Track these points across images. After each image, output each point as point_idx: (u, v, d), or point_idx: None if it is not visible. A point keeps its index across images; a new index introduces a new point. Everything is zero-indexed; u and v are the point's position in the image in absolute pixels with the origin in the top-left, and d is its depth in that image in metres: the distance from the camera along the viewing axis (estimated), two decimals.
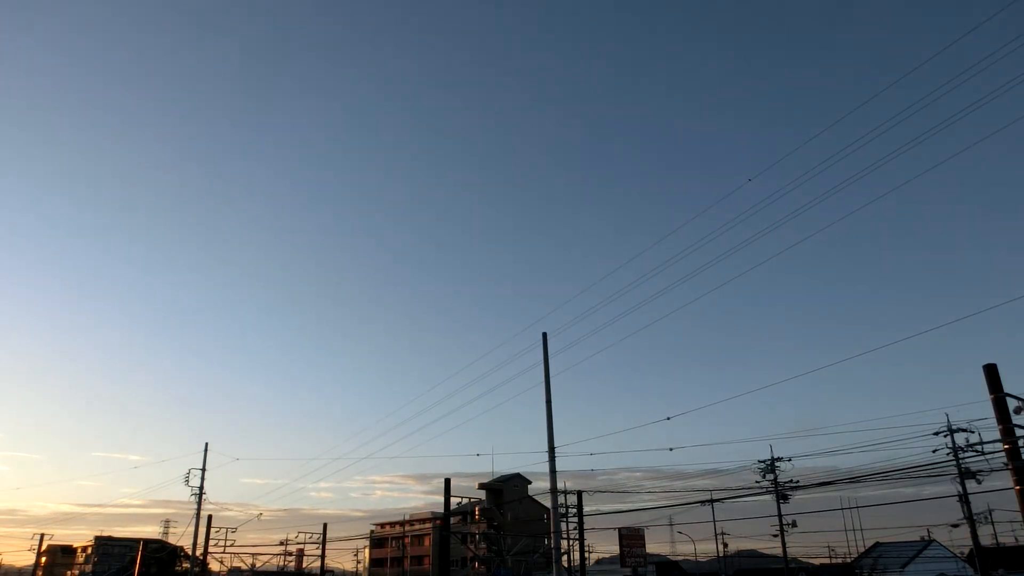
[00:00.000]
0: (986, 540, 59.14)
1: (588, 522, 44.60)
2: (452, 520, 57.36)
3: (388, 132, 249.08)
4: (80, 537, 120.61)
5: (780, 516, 48.64)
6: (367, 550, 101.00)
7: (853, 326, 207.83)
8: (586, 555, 49.10)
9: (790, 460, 47.26)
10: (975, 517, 40.39)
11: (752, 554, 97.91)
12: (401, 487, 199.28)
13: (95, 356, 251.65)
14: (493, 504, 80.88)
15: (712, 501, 34.26)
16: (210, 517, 61.13)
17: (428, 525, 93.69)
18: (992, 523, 61.68)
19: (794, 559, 79.14)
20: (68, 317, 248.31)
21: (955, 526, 49.78)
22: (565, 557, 47.12)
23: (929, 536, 70.76)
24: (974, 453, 30.97)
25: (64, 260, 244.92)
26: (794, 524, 49.75)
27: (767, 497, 46.07)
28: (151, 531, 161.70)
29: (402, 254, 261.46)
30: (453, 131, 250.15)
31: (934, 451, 36.54)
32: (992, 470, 24.87)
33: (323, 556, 65.88)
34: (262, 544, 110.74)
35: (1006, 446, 17.68)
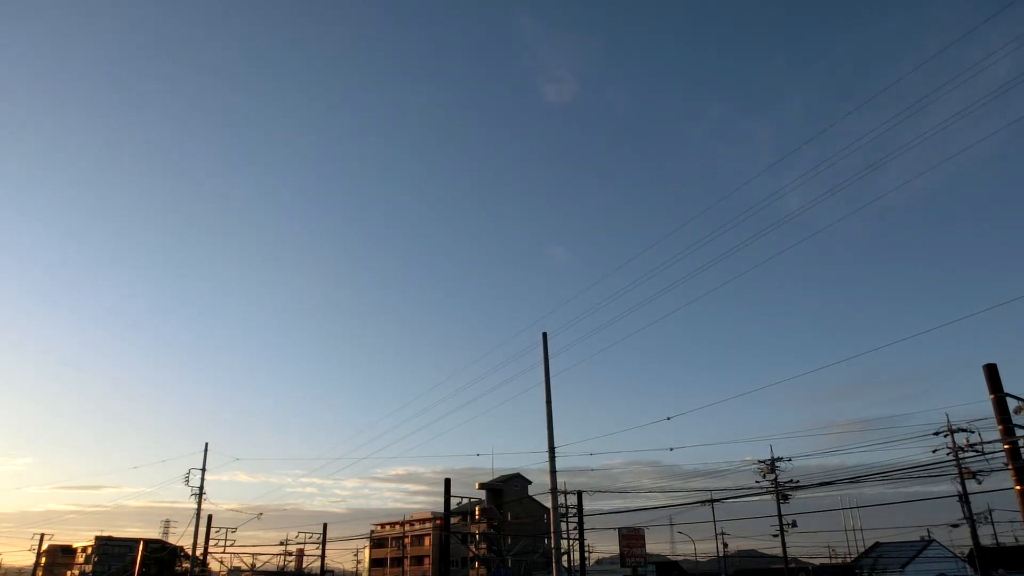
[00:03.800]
0: (986, 540, 59.14)
1: (588, 522, 44.60)
2: (452, 520, 57.35)
3: (387, 136, 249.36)
4: (80, 537, 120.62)
5: (780, 516, 48.67)
6: (367, 550, 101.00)
7: (853, 326, 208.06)
8: (586, 555, 49.11)
9: (790, 460, 47.38)
10: (975, 517, 40.44)
11: (752, 554, 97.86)
12: (401, 487, 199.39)
13: (95, 356, 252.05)
14: (493, 504, 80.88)
15: (712, 501, 34.28)
16: (210, 517, 61.20)
17: (428, 525, 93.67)
18: (992, 523, 61.70)
19: (794, 559, 79.11)
20: (68, 318, 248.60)
21: (955, 526, 49.80)
22: (565, 557, 47.14)
23: (929, 536, 70.72)
24: (974, 453, 30.95)
25: (64, 261, 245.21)
26: (794, 524, 49.79)
27: (767, 497, 46.12)
28: (151, 531, 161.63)
29: (402, 254, 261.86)
30: (451, 133, 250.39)
31: (934, 451, 36.59)
32: (992, 470, 24.86)
33: (323, 556, 65.88)
34: (262, 544, 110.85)
35: (1006, 446, 17.67)
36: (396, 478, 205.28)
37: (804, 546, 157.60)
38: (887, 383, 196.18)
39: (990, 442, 21.00)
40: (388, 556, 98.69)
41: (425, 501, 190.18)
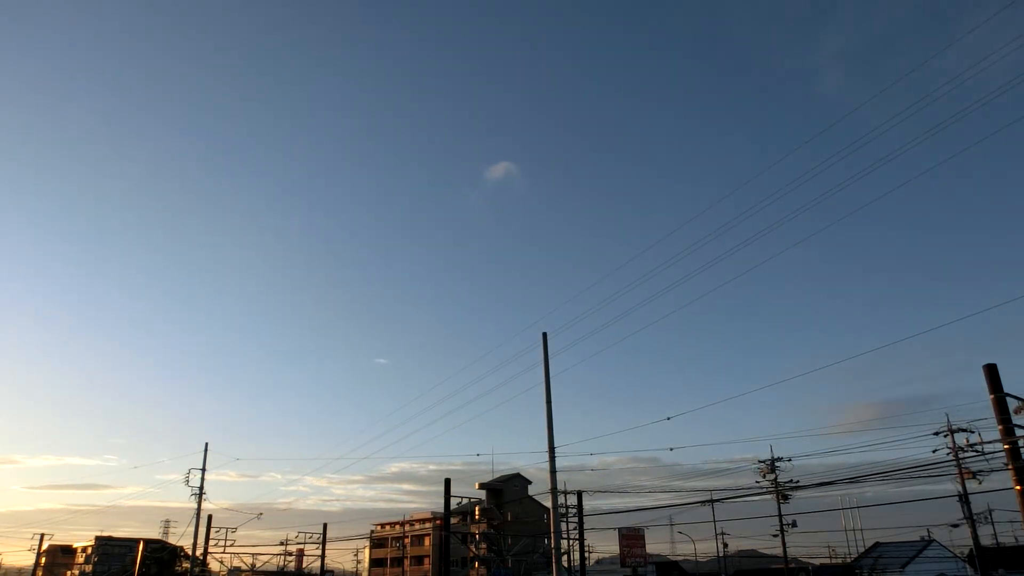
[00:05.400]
0: (986, 540, 59.14)
1: (588, 522, 44.60)
2: (452, 520, 57.32)
3: (385, 135, 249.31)
4: (80, 537, 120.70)
5: (780, 516, 48.68)
6: (367, 550, 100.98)
7: (854, 326, 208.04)
8: (586, 555, 49.11)
9: (790, 460, 47.37)
10: (975, 517, 40.44)
11: (752, 554, 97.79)
12: (399, 487, 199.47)
13: (95, 357, 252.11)
14: (493, 504, 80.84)
15: (712, 501, 34.28)
16: (210, 517, 61.18)
17: (428, 525, 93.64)
18: (992, 523, 61.71)
19: (794, 559, 79.06)
20: (67, 318, 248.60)
21: (955, 526, 49.86)
22: (565, 557, 47.15)
23: (929, 536, 70.73)
24: (974, 453, 30.93)
25: (64, 261, 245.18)
26: (794, 524, 49.81)
27: (767, 497, 46.09)
28: (150, 531, 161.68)
29: (401, 256, 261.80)
30: (449, 133, 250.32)
31: (934, 451, 36.55)
32: (992, 470, 24.84)
33: (323, 556, 65.85)
34: (262, 544, 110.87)
35: (1006, 446, 17.67)
36: (394, 477, 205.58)
37: (804, 546, 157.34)
38: (901, 366, 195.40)
39: (990, 442, 20.99)
40: (388, 556, 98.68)
41: (423, 501, 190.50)
